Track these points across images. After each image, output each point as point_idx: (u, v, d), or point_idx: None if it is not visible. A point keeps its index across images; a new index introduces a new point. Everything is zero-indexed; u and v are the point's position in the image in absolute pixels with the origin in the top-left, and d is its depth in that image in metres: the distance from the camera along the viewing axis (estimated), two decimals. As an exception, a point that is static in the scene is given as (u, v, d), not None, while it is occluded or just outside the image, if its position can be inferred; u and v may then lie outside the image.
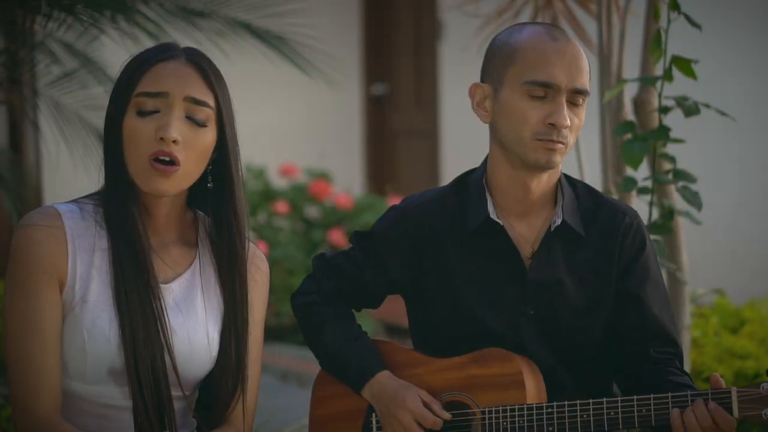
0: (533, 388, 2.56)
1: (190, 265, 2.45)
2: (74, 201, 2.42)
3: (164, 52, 2.38)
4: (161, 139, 2.31)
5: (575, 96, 2.55)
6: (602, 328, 2.65)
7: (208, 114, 2.37)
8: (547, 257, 2.62)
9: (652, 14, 3.42)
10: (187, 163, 2.34)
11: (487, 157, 2.68)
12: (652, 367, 2.62)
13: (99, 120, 4.58)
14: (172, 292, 2.42)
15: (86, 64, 4.48)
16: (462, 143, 8.19)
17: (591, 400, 2.50)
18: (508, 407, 2.54)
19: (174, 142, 2.32)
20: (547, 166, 2.57)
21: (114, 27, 3.94)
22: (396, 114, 8.64)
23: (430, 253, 2.66)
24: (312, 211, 7.39)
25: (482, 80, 2.62)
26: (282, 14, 4.14)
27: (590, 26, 4.08)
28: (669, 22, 3.07)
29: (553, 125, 2.53)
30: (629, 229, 2.64)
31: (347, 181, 8.04)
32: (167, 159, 2.33)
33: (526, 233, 2.64)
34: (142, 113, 2.34)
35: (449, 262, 2.65)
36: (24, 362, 2.31)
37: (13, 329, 2.33)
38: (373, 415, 2.67)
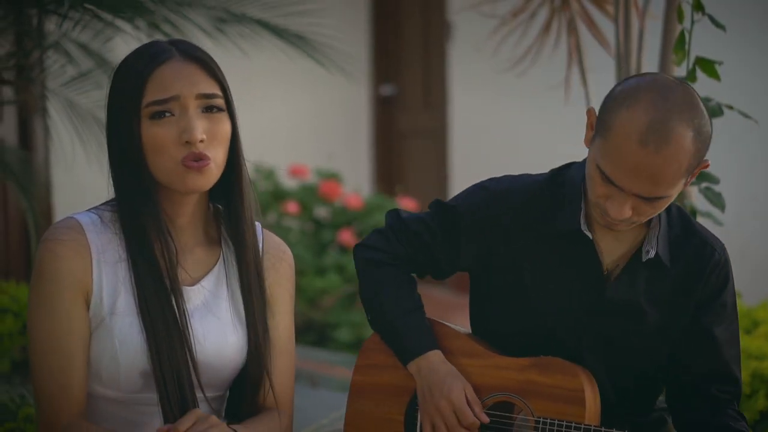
0: (592, 407, 2.51)
1: (215, 264, 2.45)
2: (94, 209, 2.42)
3: (158, 56, 2.35)
4: (187, 142, 2.31)
5: (644, 199, 2.40)
6: (663, 357, 2.60)
7: (220, 102, 2.36)
8: (629, 280, 2.54)
9: (672, 15, 3.41)
10: (217, 156, 2.35)
11: None
12: (710, 405, 2.58)
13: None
14: (199, 294, 2.41)
15: (101, 65, 4.49)
16: (470, 144, 8.20)
17: None
18: (564, 422, 2.48)
19: (201, 141, 2.32)
20: (609, 228, 2.50)
21: (134, 27, 3.94)
22: (404, 114, 8.63)
23: (508, 244, 2.58)
24: (322, 212, 7.38)
25: (599, 112, 2.48)
26: (298, 13, 4.16)
27: (607, 27, 4.07)
28: (692, 23, 3.06)
29: (608, 211, 2.42)
30: (717, 265, 2.56)
31: (355, 182, 8.04)
32: (199, 159, 2.33)
33: (612, 248, 2.56)
34: (156, 116, 2.32)
35: (526, 258, 2.57)
36: (48, 376, 2.33)
37: (37, 343, 2.33)
38: None
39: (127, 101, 2.33)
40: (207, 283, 2.42)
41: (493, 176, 2.68)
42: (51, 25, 4.25)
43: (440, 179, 8.21)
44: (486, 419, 2.52)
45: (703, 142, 2.39)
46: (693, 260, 2.55)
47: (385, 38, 8.65)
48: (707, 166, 2.45)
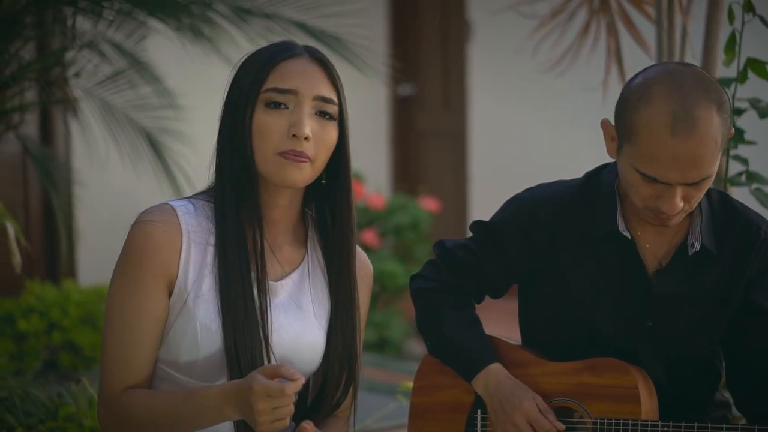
0: (647, 403, 2.53)
1: (300, 263, 2.47)
2: (187, 198, 2.45)
3: (288, 50, 2.41)
4: (294, 135, 2.34)
5: (690, 185, 2.39)
6: (718, 341, 2.61)
7: (334, 109, 2.40)
8: (675, 275, 2.55)
9: (715, 15, 3.40)
10: (317, 158, 2.37)
11: None
12: None
13: (147, 120, 4.61)
14: (283, 290, 2.44)
15: (134, 65, 4.51)
16: (489, 144, 8.19)
17: (709, 425, 2.46)
18: (621, 420, 2.50)
19: (306, 139, 2.35)
20: (663, 226, 2.50)
21: (174, 28, 3.95)
22: (423, 115, 8.63)
23: (550, 253, 2.60)
24: (344, 212, 7.36)
25: (615, 120, 2.48)
26: (335, 14, 4.18)
27: (647, 28, 4.05)
28: (743, 23, 3.06)
29: (661, 209, 2.42)
30: (764, 243, 2.56)
31: (375, 181, 8.03)
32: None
33: (655, 245, 2.57)
34: (270, 105, 2.36)
35: (568, 264, 2.59)
36: (112, 349, 2.37)
37: (110, 317, 2.37)
38: (479, 411, 2.65)
39: (248, 85, 2.37)
40: (292, 279, 2.45)
41: (529, 186, 2.71)
42: (86, 24, 4.26)
43: (459, 179, 8.21)
44: (561, 426, 2.54)
45: (725, 112, 2.38)
46: (740, 243, 2.56)
47: (403, 38, 8.65)
48: (732, 134, 2.46)
